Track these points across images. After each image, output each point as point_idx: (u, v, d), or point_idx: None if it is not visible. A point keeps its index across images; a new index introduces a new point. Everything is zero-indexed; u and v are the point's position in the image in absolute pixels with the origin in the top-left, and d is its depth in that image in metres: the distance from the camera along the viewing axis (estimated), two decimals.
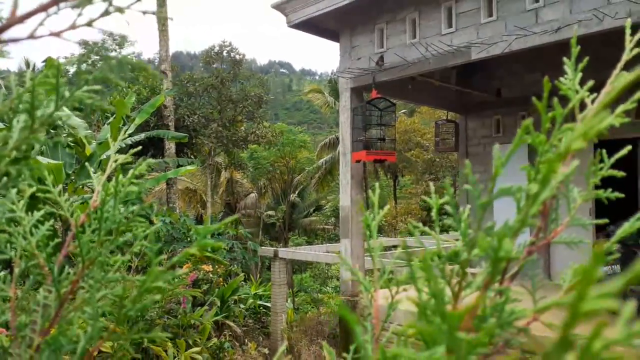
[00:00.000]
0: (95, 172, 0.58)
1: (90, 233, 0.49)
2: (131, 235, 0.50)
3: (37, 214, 0.53)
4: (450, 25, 6.74)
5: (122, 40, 26.00)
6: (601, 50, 8.21)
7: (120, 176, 0.52)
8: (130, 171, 0.53)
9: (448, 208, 0.47)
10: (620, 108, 0.38)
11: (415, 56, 7.07)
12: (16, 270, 0.50)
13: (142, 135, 9.57)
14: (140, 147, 0.77)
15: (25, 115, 0.35)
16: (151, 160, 0.56)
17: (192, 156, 18.16)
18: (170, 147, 15.92)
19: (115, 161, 0.63)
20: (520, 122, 9.40)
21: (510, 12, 6.06)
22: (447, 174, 25.91)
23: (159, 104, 9.51)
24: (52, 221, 0.68)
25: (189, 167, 9.53)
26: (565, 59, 0.39)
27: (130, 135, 10.09)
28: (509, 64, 9.25)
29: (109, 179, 0.61)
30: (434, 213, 0.51)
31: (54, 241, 0.55)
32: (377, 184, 0.55)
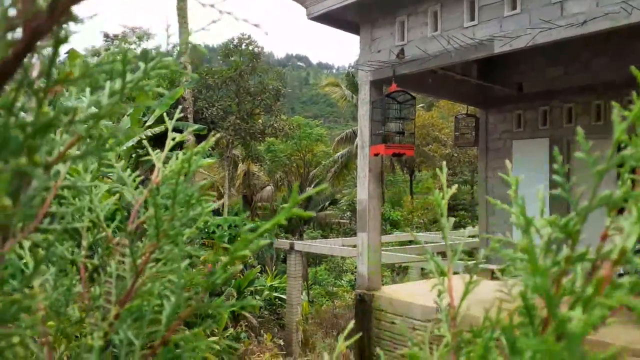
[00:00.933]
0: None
1: (154, 205, 0.50)
2: (200, 209, 0.51)
3: (104, 186, 0.55)
4: (472, 18, 6.65)
5: (142, 34, 26.22)
6: (626, 45, 8.06)
7: (192, 151, 0.53)
8: (202, 144, 0.54)
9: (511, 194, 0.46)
10: None
11: (436, 49, 7.00)
12: (84, 243, 0.52)
13: (163, 127, 9.66)
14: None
15: (115, 81, 0.36)
16: (218, 135, 0.57)
17: (210, 148, 18.31)
18: (190, 139, 16.07)
19: (173, 139, 0.64)
20: (541, 117, 9.26)
21: (535, 5, 5.95)
22: (465, 169, 25.68)
23: (178, 96, 9.59)
24: (117, 195, 0.70)
25: (207, 160, 9.61)
26: None
27: (149, 127, 10.19)
28: (531, 58, 9.10)
29: (166, 158, 0.63)
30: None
31: (120, 215, 0.56)
32: (444, 163, 0.55)
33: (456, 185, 0.51)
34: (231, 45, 19.82)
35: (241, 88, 18.90)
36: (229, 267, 0.38)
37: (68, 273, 0.49)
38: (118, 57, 0.36)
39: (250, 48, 19.73)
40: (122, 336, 0.43)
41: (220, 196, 23.27)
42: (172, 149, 0.64)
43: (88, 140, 0.34)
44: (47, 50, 0.27)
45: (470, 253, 11.69)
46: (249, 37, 19.93)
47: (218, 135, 0.58)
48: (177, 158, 0.60)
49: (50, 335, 0.44)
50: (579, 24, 5.47)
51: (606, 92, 8.30)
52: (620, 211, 0.34)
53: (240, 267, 0.38)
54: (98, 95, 0.35)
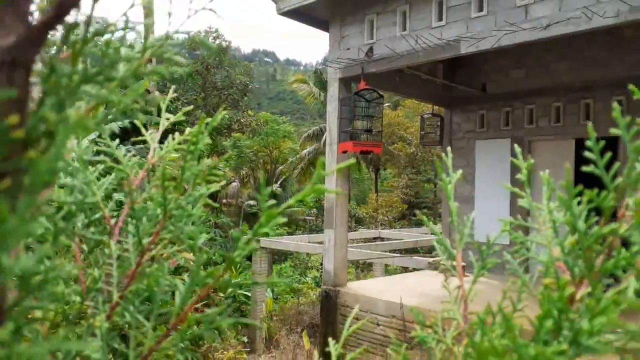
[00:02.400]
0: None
1: (162, 181, 0.48)
2: (205, 189, 0.49)
3: (100, 166, 0.52)
4: (440, 19, 6.77)
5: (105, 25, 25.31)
6: (585, 50, 8.38)
7: (202, 124, 0.51)
8: (211, 120, 0.52)
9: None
10: None
11: (404, 48, 7.09)
12: (79, 224, 0.49)
13: (126, 122, 9.41)
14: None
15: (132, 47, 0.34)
16: (225, 112, 0.55)
17: None
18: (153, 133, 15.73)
19: (167, 119, 0.62)
20: (504, 118, 9.53)
21: (501, 8, 6.11)
22: (429, 168, 26.16)
23: (142, 90, 9.36)
24: (113, 175, 0.66)
25: (172, 155, 9.42)
26: None
27: (112, 121, 9.89)
28: (495, 59, 9.35)
29: (161, 140, 0.60)
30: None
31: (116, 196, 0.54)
32: (449, 148, 0.55)
33: (461, 171, 0.51)
34: (197, 39, 19.44)
35: (207, 82, 18.63)
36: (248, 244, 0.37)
37: (65, 253, 0.46)
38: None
39: (217, 42, 19.46)
40: (130, 318, 0.41)
41: (183, 192, 22.83)
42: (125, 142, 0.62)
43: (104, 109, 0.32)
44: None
45: (433, 249, 11.92)
46: (216, 30, 19.66)
47: (225, 112, 0.57)
48: (173, 139, 0.58)
49: (48, 320, 0.42)
50: (542, 27, 5.65)
51: (566, 95, 8.62)
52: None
53: (257, 245, 0.37)
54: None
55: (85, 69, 0.26)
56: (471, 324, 0.37)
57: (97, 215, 0.50)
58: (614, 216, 0.41)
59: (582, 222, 0.32)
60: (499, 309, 0.35)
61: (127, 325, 0.41)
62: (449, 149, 0.55)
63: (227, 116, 19.41)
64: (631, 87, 0.39)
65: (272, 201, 0.36)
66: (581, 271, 0.29)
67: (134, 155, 0.60)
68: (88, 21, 0.27)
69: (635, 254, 0.28)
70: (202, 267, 0.39)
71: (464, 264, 0.53)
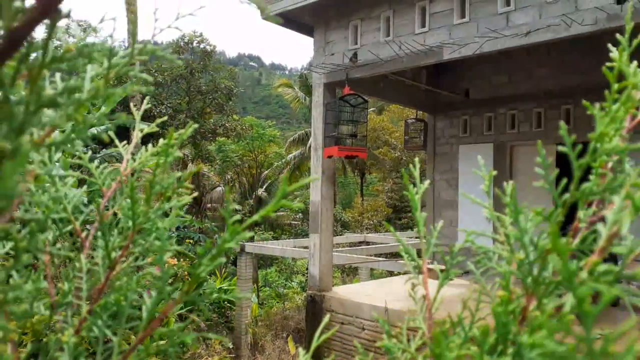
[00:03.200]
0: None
1: (124, 201, 0.49)
2: (176, 201, 0.50)
3: (71, 178, 0.52)
4: (423, 25, 6.84)
5: (87, 27, 25.14)
6: (566, 56, 8.54)
7: (170, 137, 0.51)
8: (179, 133, 0.52)
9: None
10: None
11: (388, 54, 7.15)
12: (49, 237, 0.49)
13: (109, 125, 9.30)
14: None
15: (99, 64, 0.34)
16: (195, 125, 0.56)
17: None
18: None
19: (141, 130, 0.62)
20: (486, 123, 9.65)
21: (483, 15, 6.20)
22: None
23: (125, 94, 9.27)
24: (85, 187, 0.65)
25: (158, 148, 9.34)
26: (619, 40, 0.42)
27: (92, 126, 9.78)
28: (478, 65, 9.47)
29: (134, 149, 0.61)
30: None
31: (88, 208, 0.54)
32: (416, 159, 0.57)
33: (428, 181, 0.53)
34: (182, 43, 19.39)
35: (192, 86, 18.53)
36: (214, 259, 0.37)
37: (35, 267, 0.46)
38: (97, 47, 0.35)
39: (202, 46, 19.38)
40: (98, 332, 0.41)
41: (167, 197, 22.64)
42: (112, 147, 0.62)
43: (70, 125, 0.33)
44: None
45: (419, 253, 11.97)
46: (201, 34, 19.59)
47: (195, 125, 0.57)
48: (146, 150, 0.59)
49: (15, 333, 0.42)
50: (523, 34, 5.74)
51: (547, 101, 8.77)
52: (589, 204, 0.37)
53: (224, 259, 0.38)
54: (78, 79, 0.33)
55: (40, 96, 0.27)
56: (432, 334, 0.38)
57: (68, 228, 0.51)
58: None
59: (528, 239, 0.33)
60: (459, 320, 0.36)
61: (95, 340, 0.41)
62: (416, 159, 0.57)
63: (211, 120, 19.33)
64: (585, 102, 0.40)
65: (237, 216, 0.36)
66: (530, 285, 0.31)
67: (109, 163, 0.60)
68: (45, 46, 0.27)
69: (578, 269, 0.29)
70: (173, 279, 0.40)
71: (442, 267, 0.54)
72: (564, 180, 0.36)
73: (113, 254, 0.46)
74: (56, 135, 0.33)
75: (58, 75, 0.40)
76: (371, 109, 25.89)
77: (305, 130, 24.93)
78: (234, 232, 0.36)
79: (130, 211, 0.45)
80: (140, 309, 0.41)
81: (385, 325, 0.45)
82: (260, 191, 25.76)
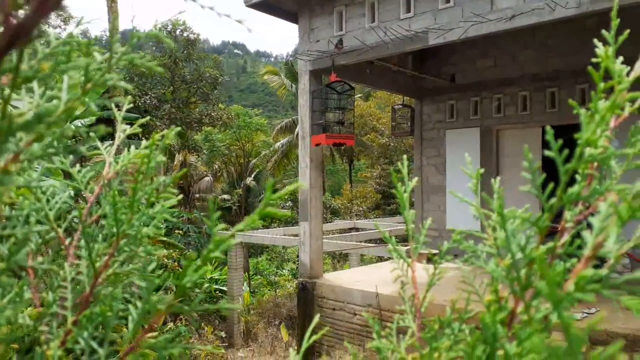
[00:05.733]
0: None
1: (107, 205, 0.48)
2: (161, 206, 0.49)
3: (55, 183, 0.51)
4: (408, 10, 6.81)
5: (67, 17, 24.61)
6: (550, 39, 8.57)
7: (153, 141, 0.50)
8: (161, 135, 0.51)
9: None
10: None
11: (374, 40, 7.11)
12: (32, 245, 0.48)
13: (93, 119, 9.15)
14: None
15: (77, 73, 0.33)
16: (177, 129, 0.55)
17: (143, 138, 17.64)
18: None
19: (124, 131, 0.61)
20: (473, 107, 9.68)
21: None
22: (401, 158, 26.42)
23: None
24: (67, 193, 0.64)
25: (141, 151, 9.24)
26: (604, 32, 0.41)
27: (77, 118, 9.64)
28: (463, 50, 9.47)
29: (117, 151, 0.59)
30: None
31: (71, 214, 0.53)
32: (405, 156, 0.56)
33: (417, 178, 0.52)
34: (164, 32, 19.10)
35: (176, 76, 18.31)
36: (199, 268, 0.37)
37: (19, 277, 0.45)
38: (75, 47, 0.33)
39: (185, 34, 19.12)
40: (84, 344, 0.40)
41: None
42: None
43: (49, 138, 0.32)
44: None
45: (406, 239, 12.08)
46: (184, 23, 19.30)
47: (178, 128, 0.56)
48: (128, 151, 0.57)
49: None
50: (508, 18, 5.74)
51: (532, 84, 8.81)
52: (575, 204, 0.37)
53: (209, 267, 0.37)
54: (54, 91, 0.32)
55: (11, 122, 0.26)
56: (422, 335, 0.38)
57: (51, 235, 0.50)
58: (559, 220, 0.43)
59: (515, 246, 0.33)
60: (448, 320, 0.36)
61: (80, 352, 0.41)
62: (404, 157, 0.56)
63: (197, 110, 19.14)
64: (571, 102, 0.40)
65: (222, 225, 0.36)
66: (517, 291, 0.31)
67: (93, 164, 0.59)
68: (16, 69, 0.26)
69: (565, 271, 0.29)
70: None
71: (434, 251, 0.54)
72: (551, 185, 0.36)
73: (97, 263, 0.45)
74: (35, 147, 0.32)
75: (35, 84, 0.38)
76: (358, 96, 25.83)
77: (292, 117, 24.81)
78: (219, 242, 0.35)
79: (113, 219, 0.44)
80: (127, 318, 0.41)
81: (376, 325, 0.45)
82: (249, 180, 25.68)
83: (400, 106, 10.65)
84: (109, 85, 0.36)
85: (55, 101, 0.31)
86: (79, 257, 0.48)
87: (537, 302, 0.29)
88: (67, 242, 0.50)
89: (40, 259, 0.48)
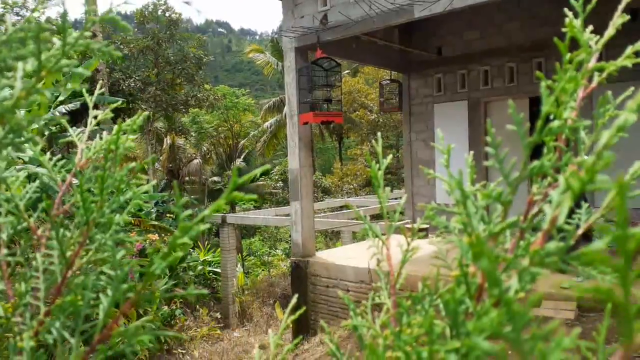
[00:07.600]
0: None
1: (80, 193, 0.47)
2: (132, 193, 0.48)
3: (22, 174, 0.50)
4: None
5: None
6: (535, 9, 8.51)
7: (119, 128, 0.49)
8: (129, 121, 0.50)
9: None
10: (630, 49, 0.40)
11: (359, 14, 7.03)
12: (3, 236, 0.47)
13: (77, 104, 9.01)
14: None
15: (31, 61, 0.32)
16: (145, 113, 0.54)
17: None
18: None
19: (95, 117, 0.59)
20: (460, 80, 9.65)
21: None
22: (391, 134, 26.40)
23: (92, 69, 8.96)
24: (37, 182, 0.63)
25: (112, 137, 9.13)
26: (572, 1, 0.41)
27: (61, 103, 9.48)
28: (449, 22, 9.40)
29: (89, 137, 0.58)
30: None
31: (42, 203, 0.52)
32: (379, 134, 0.56)
33: (391, 156, 0.52)
34: (146, 12, 18.71)
35: (160, 57, 18.01)
36: (168, 255, 0.37)
37: None
38: (29, 32, 0.32)
39: (167, 15, 18.74)
40: (56, 335, 0.40)
41: (144, 172, 22.34)
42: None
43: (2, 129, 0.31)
44: None
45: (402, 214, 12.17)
46: (165, 2, 18.90)
47: (146, 113, 0.55)
48: (100, 138, 0.56)
49: None
50: None
51: (518, 55, 8.79)
52: (543, 177, 0.37)
53: (181, 253, 0.37)
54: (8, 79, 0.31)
55: None
56: (396, 312, 0.39)
57: (23, 225, 0.49)
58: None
59: (476, 222, 0.33)
60: (419, 296, 0.36)
61: (53, 341, 0.41)
62: (379, 134, 0.56)
63: (182, 92, 18.89)
64: (538, 73, 0.40)
65: (188, 212, 0.36)
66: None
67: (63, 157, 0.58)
68: None
69: (527, 246, 0.30)
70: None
71: (424, 226, 0.55)
72: (513, 160, 0.36)
73: (69, 252, 0.44)
74: None
75: None
76: (345, 72, 25.63)
77: (280, 96, 24.60)
78: (185, 229, 0.35)
79: (82, 207, 0.43)
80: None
81: (351, 304, 0.45)
82: (239, 161, 25.58)
83: (388, 82, 10.59)
84: (64, 72, 0.35)
85: (7, 90, 0.31)
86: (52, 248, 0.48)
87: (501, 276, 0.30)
88: (39, 232, 0.50)
89: (4, 251, 0.47)
